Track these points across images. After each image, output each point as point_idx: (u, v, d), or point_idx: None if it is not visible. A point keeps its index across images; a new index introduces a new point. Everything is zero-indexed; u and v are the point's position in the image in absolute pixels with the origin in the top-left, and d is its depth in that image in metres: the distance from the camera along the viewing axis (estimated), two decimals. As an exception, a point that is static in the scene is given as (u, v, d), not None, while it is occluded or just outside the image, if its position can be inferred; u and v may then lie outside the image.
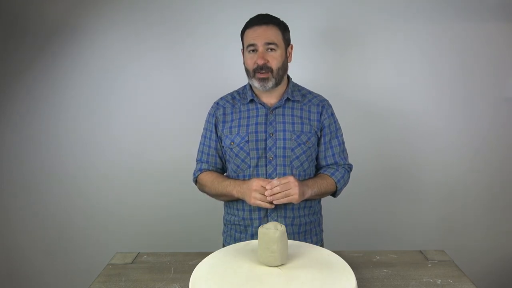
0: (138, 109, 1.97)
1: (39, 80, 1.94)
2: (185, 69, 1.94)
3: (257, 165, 1.29)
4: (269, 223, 0.98)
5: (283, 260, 0.95)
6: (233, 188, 1.26)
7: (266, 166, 1.29)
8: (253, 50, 1.27)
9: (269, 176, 1.28)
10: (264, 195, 1.16)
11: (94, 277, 1.06)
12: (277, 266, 0.95)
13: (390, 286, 0.98)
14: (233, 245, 1.09)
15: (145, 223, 2.04)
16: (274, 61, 1.26)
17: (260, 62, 1.25)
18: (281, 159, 1.29)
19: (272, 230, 0.94)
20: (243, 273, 0.92)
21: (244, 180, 1.28)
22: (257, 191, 1.17)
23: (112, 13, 1.89)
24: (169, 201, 2.02)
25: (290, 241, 1.05)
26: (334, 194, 1.38)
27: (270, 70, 1.26)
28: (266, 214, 1.29)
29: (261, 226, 0.97)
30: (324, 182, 1.31)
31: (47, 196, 2.03)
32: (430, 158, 1.99)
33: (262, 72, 1.26)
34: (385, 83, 1.94)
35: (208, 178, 1.35)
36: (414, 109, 1.95)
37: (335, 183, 1.33)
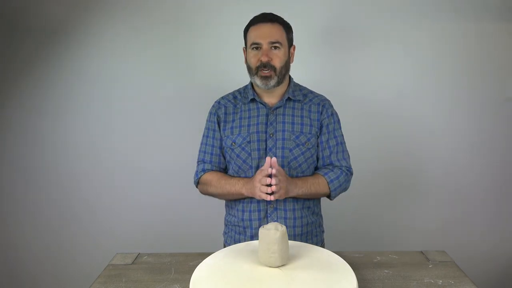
0: (138, 109, 1.97)
1: (39, 79, 1.94)
2: (186, 69, 1.94)
3: (258, 166, 1.28)
4: (269, 223, 0.97)
5: (283, 260, 0.95)
6: (242, 186, 1.24)
7: None
8: (256, 48, 1.26)
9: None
10: (266, 187, 1.13)
11: (95, 278, 1.05)
12: (278, 266, 0.95)
13: (391, 287, 0.98)
14: (233, 245, 1.09)
15: (146, 223, 2.04)
16: (277, 59, 1.25)
17: (264, 59, 1.23)
18: (280, 159, 1.27)
19: (273, 231, 0.94)
20: (244, 274, 0.92)
21: (249, 178, 1.26)
22: (260, 183, 1.15)
23: (111, 13, 1.89)
24: (170, 201, 2.02)
25: (290, 242, 1.05)
26: (329, 196, 1.32)
27: (273, 68, 1.25)
28: (266, 215, 1.29)
29: (261, 226, 0.97)
30: (316, 182, 1.27)
31: (47, 196, 2.03)
32: (431, 158, 1.98)
33: (265, 70, 1.24)
34: (386, 83, 1.94)
35: (214, 177, 1.32)
36: (415, 109, 1.95)
37: (327, 183, 1.27)
